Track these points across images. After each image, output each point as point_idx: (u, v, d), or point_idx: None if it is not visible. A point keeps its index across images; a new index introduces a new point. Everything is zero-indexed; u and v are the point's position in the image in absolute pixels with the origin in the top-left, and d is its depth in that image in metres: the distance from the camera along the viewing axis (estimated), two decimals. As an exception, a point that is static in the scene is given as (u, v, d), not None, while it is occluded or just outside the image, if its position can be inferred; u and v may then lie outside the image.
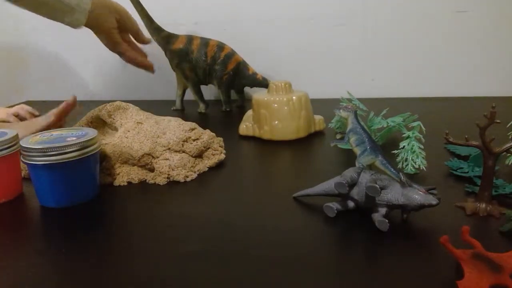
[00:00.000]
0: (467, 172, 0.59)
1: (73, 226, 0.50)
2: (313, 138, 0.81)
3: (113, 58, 1.29)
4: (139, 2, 1.03)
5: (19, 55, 1.35)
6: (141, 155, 0.62)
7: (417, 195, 0.43)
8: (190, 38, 1.05)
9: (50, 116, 0.69)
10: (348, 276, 0.38)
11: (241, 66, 1.06)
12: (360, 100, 0.76)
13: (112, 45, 0.88)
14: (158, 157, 0.63)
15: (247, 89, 1.15)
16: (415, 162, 0.59)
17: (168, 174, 0.62)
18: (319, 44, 1.20)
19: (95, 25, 0.83)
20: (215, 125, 0.95)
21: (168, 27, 1.07)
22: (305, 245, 0.43)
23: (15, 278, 0.40)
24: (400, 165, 0.60)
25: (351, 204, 0.49)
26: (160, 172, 0.62)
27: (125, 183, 0.62)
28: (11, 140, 0.56)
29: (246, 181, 0.62)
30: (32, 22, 1.30)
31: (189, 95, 1.11)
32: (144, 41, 0.95)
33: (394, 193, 0.44)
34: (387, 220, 0.44)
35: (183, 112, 1.10)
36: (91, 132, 0.57)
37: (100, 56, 1.31)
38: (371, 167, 0.52)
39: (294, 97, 0.78)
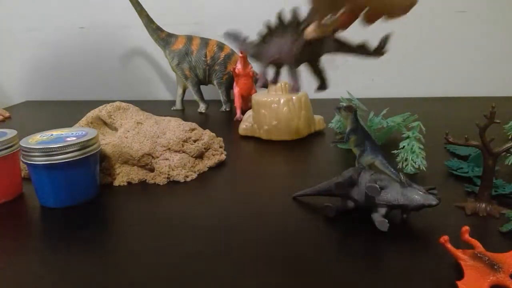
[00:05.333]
0: (467, 172, 0.59)
1: (73, 226, 0.50)
2: (313, 138, 0.81)
3: (112, 58, 1.30)
4: (139, 2, 1.04)
5: (19, 55, 1.35)
6: (141, 155, 0.62)
7: (417, 195, 0.43)
8: (190, 38, 1.05)
9: None
10: (348, 276, 0.38)
11: (241, 66, 1.06)
12: (360, 100, 0.76)
13: None
14: (158, 157, 0.63)
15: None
16: (415, 162, 0.59)
17: (168, 174, 0.62)
18: (319, 44, 1.19)
19: None
20: (215, 125, 0.95)
21: (168, 27, 1.07)
22: (305, 245, 0.43)
23: (15, 278, 0.40)
24: (400, 165, 0.60)
25: (351, 204, 0.49)
26: (160, 172, 0.62)
27: (125, 183, 0.62)
28: (11, 140, 0.56)
29: (246, 181, 0.62)
30: (30, 20, 1.31)
31: (189, 95, 1.11)
32: None
33: (394, 193, 0.44)
34: (387, 220, 0.44)
35: (183, 112, 1.10)
36: (91, 132, 0.57)
37: (99, 56, 1.31)
38: (371, 167, 0.52)
39: (294, 97, 0.78)
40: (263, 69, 0.50)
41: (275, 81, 0.50)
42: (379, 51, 0.46)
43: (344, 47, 0.46)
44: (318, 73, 0.50)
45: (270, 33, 0.48)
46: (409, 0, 0.40)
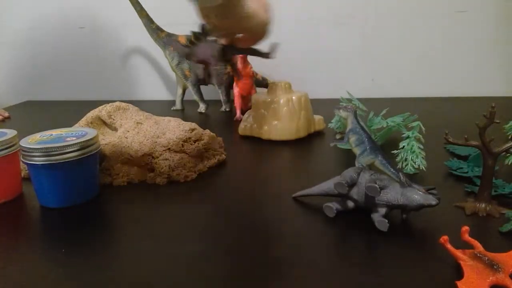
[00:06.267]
0: (467, 172, 0.59)
1: (73, 226, 0.50)
2: (313, 138, 0.81)
3: (112, 58, 1.30)
4: (139, 2, 1.04)
5: (19, 55, 1.35)
6: (141, 155, 0.62)
7: (417, 195, 0.43)
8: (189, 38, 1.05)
9: None
10: (348, 276, 0.38)
11: (241, 66, 1.07)
12: (360, 100, 0.76)
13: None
14: (158, 157, 0.63)
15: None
16: (414, 162, 0.59)
17: (168, 174, 0.62)
18: (319, 44, 1.20)
19: None
20: (215, 125, 0.96)
21: (168, 27, 1.07)
22: (305, 245, 0.43)
23: (15, 278, 0.40)
24: (399, 165, 0.60)
25: (350, 204, 0.49)
26: (160, 172, 0.62)
27: (125, 183, 0.62)
28: (11, 140, 0.56)
29: (246, 181, 0.62)
30: (30, 20, 1.31)
31: (189, 95, 1.11)
32: None
33: (394, 193, 0.44)
34: (386, 220, 0.44)
35: (183, 112, 1.10)
36: (91, 132, 0.57)
37: (99, 56, 1.31)
38: (370, 167, 0.52)
39: (294, 97, 0.78)
40: (194, 65, 0.75)
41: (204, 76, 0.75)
42: (267, 54, 0.68)
43: (244, 50, 0.69)
44: (232, 66, 0.85)
45: (197, 39, 0.66)
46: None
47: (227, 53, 0.68)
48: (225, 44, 0.64)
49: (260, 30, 0.63)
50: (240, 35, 0.64)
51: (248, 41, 0.67)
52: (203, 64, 0.70)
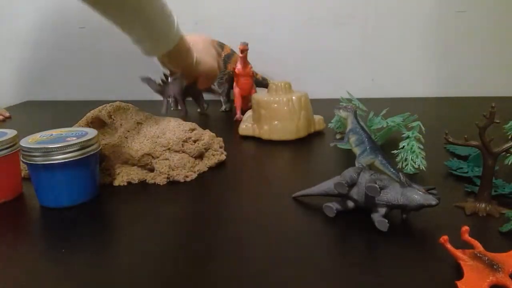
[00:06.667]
0: (467, 172, 0.59)
1: (73, 226, 0.50)
2: (313, 138, 0.81)
3: (113, 58, 1.30)
4: (139, 2, 1.03)
5: (19, 55, 1.35)
6: (141, 155, 0.62)
7: (417, 195, 0.43)
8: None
9: None
10: (348, 276, 0.38)
11: (241, 66, 1.07)
12: (360, 100, 0.76)
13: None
14: (158, 157, 0.63)
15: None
16: (414, 162, 0.59)
17: (168, 174, 0.62)
18: (319, 44, 1.20)
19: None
20: (215, 125, 0.96)
21: (168, 27, 1.07)
22: (305, 245, 0.43)
23: (15, 279, 0.40)
24: (399, 165, 0.60)
25: (350, 204, 0.49)
26: (160, 172, 0.62)
27: (125, 183, 0.62)
28: (11, 140, 0.56)
29: (246, 181, 0.62)
30: (30, 20, 1.30)
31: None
32: None
33: (394, 193, 0.44)
34: (386, 220, 0.44)
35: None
36: (91, 132, 0.57)
37: (100, 56, 1.31)
38: (370, 167, 0.52)
39: (294, 97, 0.78)
40: (165, 100, 0.87)
41: (176, 107, 0.89)
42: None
43: (204, 89, 1.00)
44: (198, 102, 1.03)
45: (167, 79, 0.86)
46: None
47: (189, 91, 0.93)
48: (187, 84, 0.84)
49: (210, 74, 0.86)
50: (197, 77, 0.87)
51: (204, 82, 0.88)
52: (173, 98, 0.86)
